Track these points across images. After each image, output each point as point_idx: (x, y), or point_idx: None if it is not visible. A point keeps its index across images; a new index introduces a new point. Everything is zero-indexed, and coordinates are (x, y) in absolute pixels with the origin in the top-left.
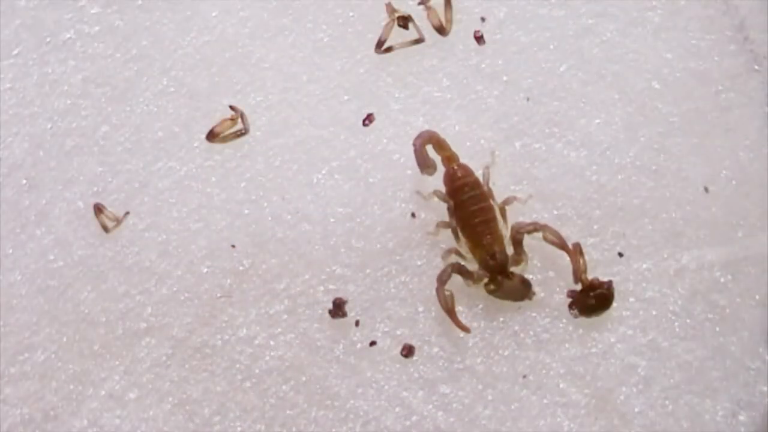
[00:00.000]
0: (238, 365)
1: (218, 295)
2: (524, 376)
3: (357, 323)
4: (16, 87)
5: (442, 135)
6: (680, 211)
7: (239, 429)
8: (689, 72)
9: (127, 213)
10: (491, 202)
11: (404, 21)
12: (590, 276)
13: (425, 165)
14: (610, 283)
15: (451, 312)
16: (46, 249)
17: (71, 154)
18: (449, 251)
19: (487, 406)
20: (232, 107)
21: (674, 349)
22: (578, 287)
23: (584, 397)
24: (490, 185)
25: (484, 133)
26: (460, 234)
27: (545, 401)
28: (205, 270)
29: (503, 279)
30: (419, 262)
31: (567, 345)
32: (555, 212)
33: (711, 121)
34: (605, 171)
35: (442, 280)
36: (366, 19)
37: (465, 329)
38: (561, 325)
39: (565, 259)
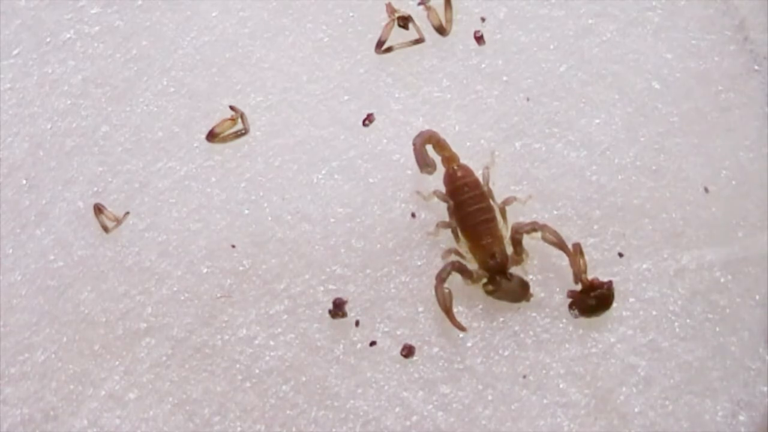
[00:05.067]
0: (238, 365)
1: (218, 295)
2: (524, 376)
3: (357, 323)
4: (16, 87)
5: (442, 135)
6: (680, 211)
7: (239, 429)
8: (689, 72)
9: (127, 213)
10: (491, 202)
11: (404, 21)
12: (590, 276)
13: (425, 164)
14: (610, 283)
15: (448, 310)
16: (46, 249)
17: (71, 154)
18: (449, 251)
19: (487, 406)
20: (232, 107)
21: (674, 349)
22: (578, 287)
23: (584, 397)
24: (490, 185)
25: (484, 133)
26: (459, 234)
27: (545, 401)
28: (205, 270)
29: (502, 279)
30: (419, 262)
31: (567, 345)
32: (555, 212)
33: (711, 121)
34: (605, 171)
35: (441, 278)
36: (366, 19)
37: (461, 328)
38: (561, 325)
39: (565, 259)
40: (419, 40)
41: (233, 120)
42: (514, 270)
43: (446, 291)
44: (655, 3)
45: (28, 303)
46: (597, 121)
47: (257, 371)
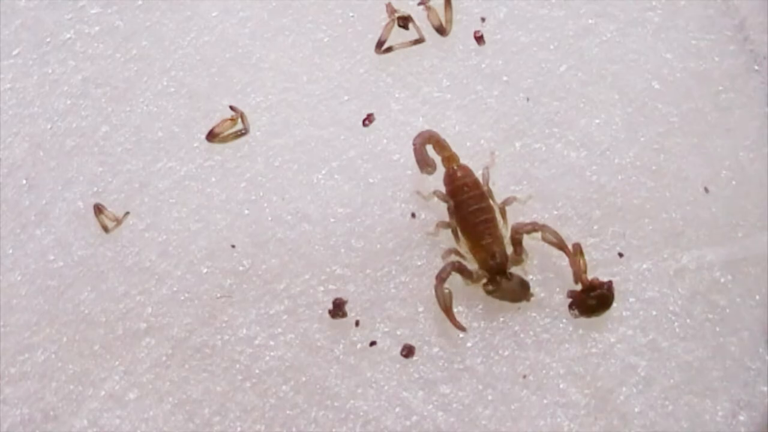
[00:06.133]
0: (238, 365)
1: (218, 295)
2: (524, 376)
3: (357, 323)
4: (16, 87)
5: (442, 135)
6: (680, 211)
7: (239, 429)
8: (689, 72)
9: (127, 213)
10: (491, 202)
11: (404, 21)
12: (590, 276)
13: (425, 164)
14: (610, 283)
15: (448, 310)
16: (46, 249)
17: (71, 154)
18: (449, 251)
19: (487, 406)
20: (232, 107)
21: (674, 349)
22: (578, 287)
23: (584, 397)
24: (490, 185)
25: (484, 133)
26: (459, 234)
27: (545, 401)
28: (205, 270)
29: (502, 279)
30: (419, 262)
31: (567, 345)
32: (555, 212)
33: (711, 121)
34: (605, 171)
35: (441, 278)
36: (366, 19)
37: (461, 328)
38: (561, 325)
39: (565, 259)
40: (419, 40)
41: (233, 120)
42: (514, 270)
43: (446, 291)
44: (655, 3)
45: (28, 303)
46: (597, 121)
47: (257, 371)
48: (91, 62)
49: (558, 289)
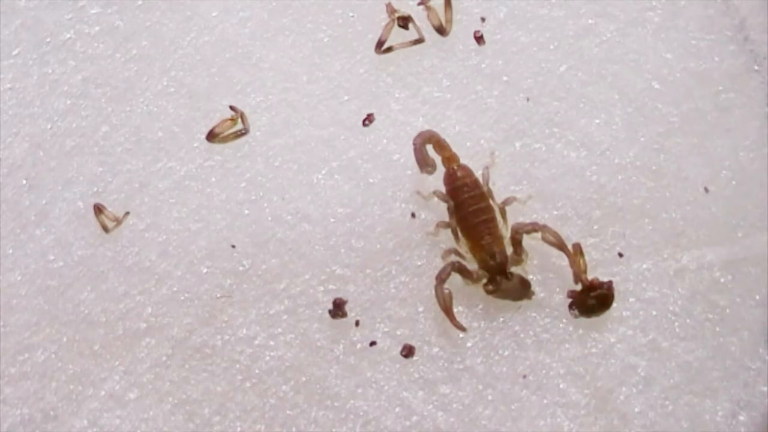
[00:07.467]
0: (238, 365)
1: (218, 295)
2: (524, 376)
3: (357, 323)
4: (16, 87)
5: (442, 135)
6: (680, 211)
7: (239, 429)
8: (689, 72)
9: (127, 213)
10: (491, 202)
11: (404, 21)
12: (590, 276)
13: (425, 164)
14: (610, 283)
15: (448, 310)
16: (46, 249)
17: (71, 154)
18: (449, 251)
19: (487, 406)
20: (232, 107)
21: (674, 349)
22: (578, 287)
23: (584, 397)
24: (490, 185)
25: (484, 133)
26: (459, 234)
27: (545, 401)
28: (205, 270)
29: (502, 279)
30: (419, 262)
31: (567, 345)
32: (555, 212)
33: (711, 121)
34: (605, 171)
35: (441, 278)
36: (366, 19)
37: (461, 328)
38: (561, 325)
39: (565, 259)
40: (419, 40)
41: (233, 120)
42: (514, 270)
43: (446, 291)
44: (655, 3)
45: (28, 303)
46: (597, 121)
47: (257, 371)
48: (91, 62)
49: (558, 289)
